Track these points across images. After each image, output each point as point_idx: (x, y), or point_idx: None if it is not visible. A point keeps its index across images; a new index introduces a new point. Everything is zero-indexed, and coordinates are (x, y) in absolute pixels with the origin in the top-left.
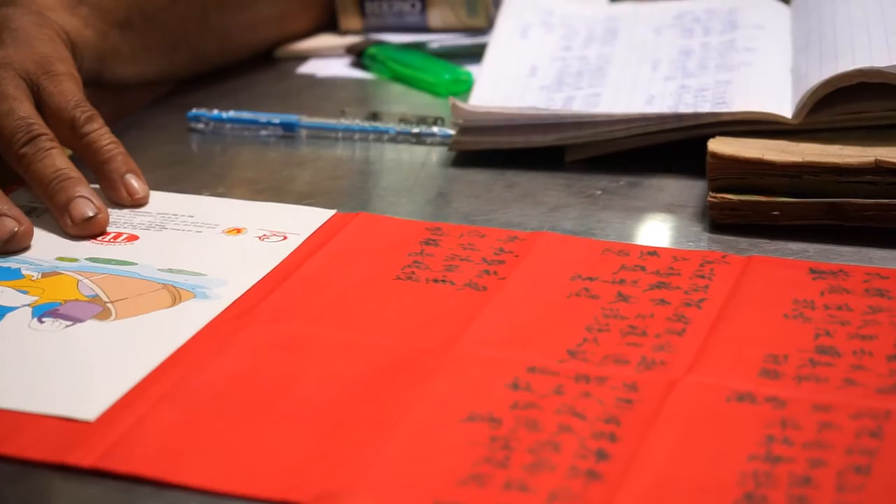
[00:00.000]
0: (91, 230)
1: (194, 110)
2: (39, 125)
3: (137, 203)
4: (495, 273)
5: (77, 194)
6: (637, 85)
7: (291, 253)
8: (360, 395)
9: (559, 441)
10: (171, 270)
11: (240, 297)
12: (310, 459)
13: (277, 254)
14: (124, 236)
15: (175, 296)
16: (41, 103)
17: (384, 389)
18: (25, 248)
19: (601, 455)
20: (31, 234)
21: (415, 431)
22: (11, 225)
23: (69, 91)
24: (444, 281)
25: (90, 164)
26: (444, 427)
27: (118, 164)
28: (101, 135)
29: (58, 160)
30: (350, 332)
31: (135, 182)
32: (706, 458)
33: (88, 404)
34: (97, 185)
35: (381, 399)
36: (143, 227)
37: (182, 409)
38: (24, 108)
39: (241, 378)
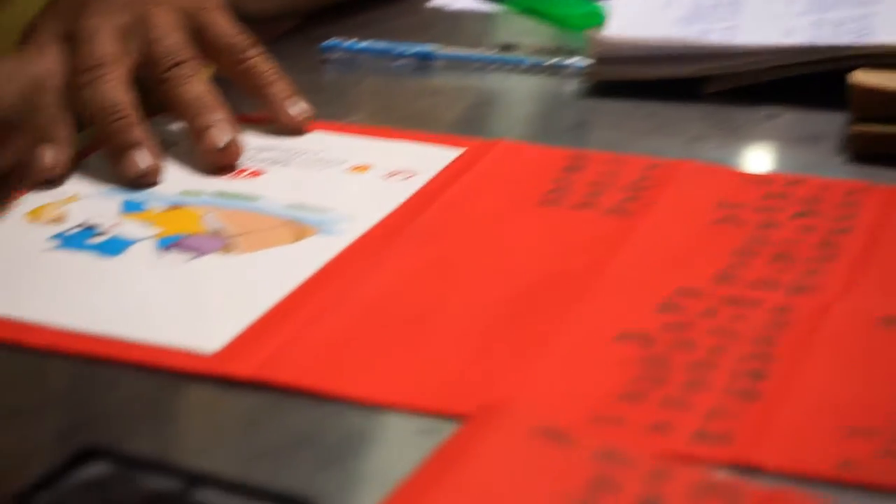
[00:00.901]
0: (223, 160)
1: (329, 40)
2: (186, 52)
3: (299, 127)
4: (639, 199)
5: (213, 121)
6: (773, 18)
7: (428, 183)
8: (511, 315)
9: (714, 361)
10: (295, 206)
11: (377, 227)
12: (467, 373)
13: (403, 192)
14: (249, 171)
15: (299, 231)
16: (200, 33)
17: (535, 309)
18: (153, 185)
19: (757, 375)
20: (159, 171)
21: (569, 349)
22: (144, 161)
23: (227, 21)
24: (588, 206)
25: (251, 89)
26: (597, 345)
27: (281, 87)
28: (263, 60)
29: (199, 86)
30: (497, 255)
31: (298, 105)
32: (861, 381)
33: (211, 336)
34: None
35: (533, 318)
36: (268, 162)
37: (337, 325)
38: (173, 37)
39: (393, 297)
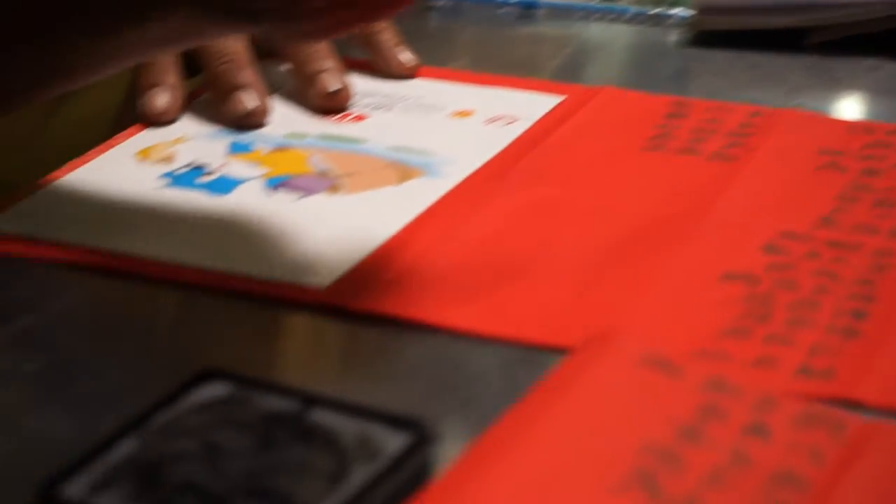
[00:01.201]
0: (334, 104)
1: None
2: None
3: (408, 73)
4: (742, 145)
5: (324, 67)
6: None
7: (530, 128)
8: (617, 253)
9: (816, 300)
10: (399, 149)
11: (482, 170)
12: (572, 307)
13: (506, 136)
14: (353, 115)
15: (404, 172)
16: None
17: (640, 249)
18: (261, 126)
19: (858, 314)
20: (267, 112)
21: (674, 286)
22: (251, 102)
23: None
24: (691, 152)
25: (359, 36)
26: (702, 284)
27: (389, 35)
28: None
29: None
30: (602, 197)
31: (406, 53)
32: None
33: (321, 272)
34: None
35: (638, 257)
36: (371, 107)
37: (445, 261)
38: None
39: (499, 234)
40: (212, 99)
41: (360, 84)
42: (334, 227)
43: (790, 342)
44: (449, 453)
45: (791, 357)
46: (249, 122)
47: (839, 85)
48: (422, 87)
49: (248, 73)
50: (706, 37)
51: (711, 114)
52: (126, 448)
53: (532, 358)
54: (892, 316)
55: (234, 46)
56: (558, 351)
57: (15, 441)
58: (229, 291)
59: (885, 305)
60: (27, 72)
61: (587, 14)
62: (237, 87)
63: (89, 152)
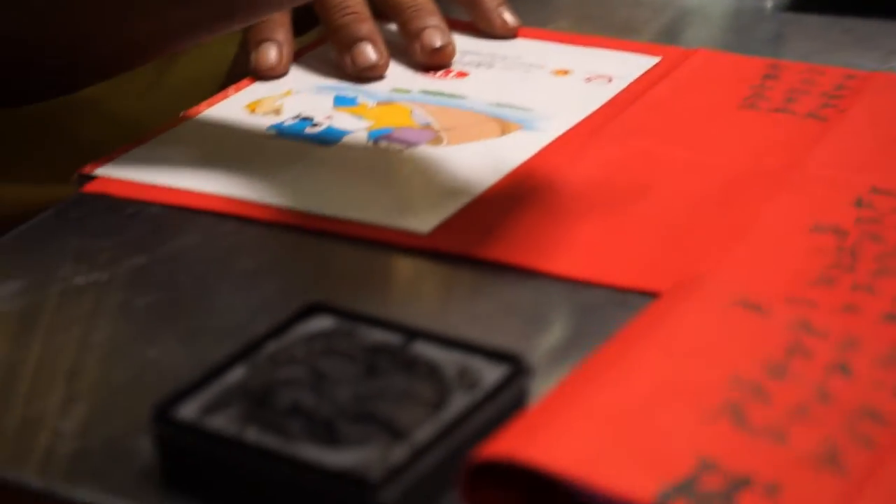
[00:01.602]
0: (439, 60)
1: None
2: None
3: (509, 33)
4: (835, 106)
5: (429, 24)
6: None
7: (628, 87)
8: (709, 204)
9: None
10: (499, 104)
11: (580, 125)
12: (664, 253)
13: (604, 94)
14: (455, 72)
15: (504, 127)
16: None
17: (733, 200)
18: (380, 78)
19: None
20: (387, 66)
21: (764, 236)
22: (374, 55)
23: None
24: (785, 111)
25: None
26: (792, 235)
27: None
28: None
29: None
30: (696, 152)
31: (508, 13)
32: None
33: (425, 218)
34: None
35: (730, 208)
36: (472, 65)
37: (543, 208)
38: None
39: (595, 184)
40: (333, 51)
41: (462, 43)
42: (436, 176)
43: (875, 291)
44: (544, 387)
45: (876, 305)
46: (371, 74)
47: None
48: (522, 47)
49: (369, 26)
50: (802, 2)
51: (806, 75)
52: (236, 375)
53: (625, 300)
54: None
55: (353, 0)
56: (650, 294)
57: (133, 369)
58: (336, 235)
59: None
60: (160, 24)
61: None
62: (359, 40)
63: (201, 104)
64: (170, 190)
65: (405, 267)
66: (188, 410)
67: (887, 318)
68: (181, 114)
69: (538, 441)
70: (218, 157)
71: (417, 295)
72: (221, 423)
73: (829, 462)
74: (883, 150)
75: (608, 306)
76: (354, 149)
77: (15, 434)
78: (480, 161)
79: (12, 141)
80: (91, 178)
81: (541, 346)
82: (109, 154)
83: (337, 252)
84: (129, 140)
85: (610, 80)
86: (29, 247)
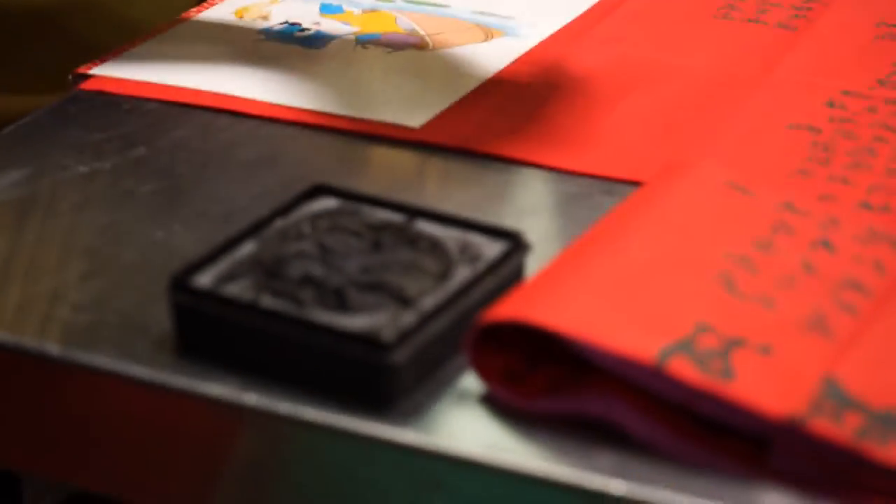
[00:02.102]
0: None
1: None
2: None
3: None
4: (804, 17)
5: None
6: None
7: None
8: (688, 104)
9: (874, 147)
10: (482, 12)
11: (561, 31)
12: (649, 147)
13: (584, 2)
14: None
15: (487, 33)
16: None
17: (710, 101)
18: None
19: None
20: None
21: (743, 132)
22: None
23: None
24: (757, 21)
25: None
26: (768, 131)
27: None
28: None
29: None
30: (675, 56)
31: None
32: None
33: (416, 114)
34: None
35: (708, 108)
36: None
37: (528, 104)
38: None
39: (580, 85)
40: None
41: None
42: (424, 76)
43: (850, 182)
44: (537, 267)
45: (851, 194)
46: None
47: None
48: None
49: None
50: None
51: None
52: (247, 249)
53: (611, 189)
54: None
55: None
56: (635, 184)
57: (141, 249)
58: (330, 129)
59: None
60: None
61: None
62: None
63: (190, 10)
64: (165, 87)
65: (397, 159)
66: (203, 280)
67: (862, 206)
68: (173, 18)
69: (541, 305)
70: (210, 58)
71: (410, 185)
72: (236, 291)
73: (816, 326)
74: (852, 56)
75: (595, 194)
76: (343, 51)
77: (34, 307)
78: (466, 64)
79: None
80: (86, 77)
81: (532, 230)
82: (103, 56)
83: (331, 145)
84: (123, 43)
85: None
86: (28, 140)
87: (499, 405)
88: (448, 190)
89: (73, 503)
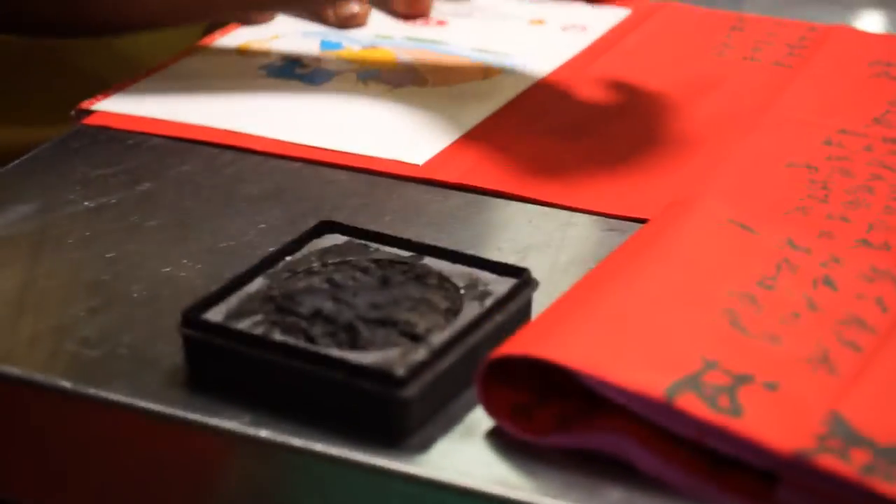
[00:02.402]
0: (418, 8)
1: None
2: None
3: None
4: (799, 56)
5: None
6: None
7: (602, 36)
8: (688, 142)
9: (872, 185)
10: (480, 49)
11: (559, 70)
12: (651, 184)
13: (579, 42)
14: (434, 21)
15: (486, 71)
16: None
17: (709, 139)
18: (362, 26)
19: None
20: (368, 16)
21: (742, 171)
22: (356, 6)
23: None
24: (753, 59)
25: None
26: (767, 170)
27: None
28: None
29: None
30: (672, 95)
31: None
32: None
33: (417, 150)
34: None
35: (708, 146)
36: (450, 15)
37: (530, 142)
38: None
39: (578, 125)
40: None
41: None
42: (426, 112)
43: (849, 220)
44: (544, 302)
45: (850, 232)
46: (353, 23)
47: (891, 5)
48: (498, 0)
49: None
50: None
51: (770, 28)
52: (257, 285)
53: (615, 226)
54: None
55: None
56: (639, 221)
57: (149, 284)
58: (333, 165)
59: None
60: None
61: None
62: None
63: (193, 45)
64: (168, 123)
65: (402, 195)
66: (214, 316)
67: (861, 243)
68: (175, 53)
69: (551, 341)
70: (213, 94)
71: (414, 221)
72: (247, 326)
73: (822, 363)
74: (847, 95)
75: (598, 231)
76: (344, 88)
77: (43, 342)
78: (466, 101)
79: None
80: (89, 113)
81: (536, 266)
82: (106, 91)
83: (335, 181)
84: (125, 78)
85: (584, 30)
86: (34, 174)
87: (507, 440)
88: (451, 226)
89: None
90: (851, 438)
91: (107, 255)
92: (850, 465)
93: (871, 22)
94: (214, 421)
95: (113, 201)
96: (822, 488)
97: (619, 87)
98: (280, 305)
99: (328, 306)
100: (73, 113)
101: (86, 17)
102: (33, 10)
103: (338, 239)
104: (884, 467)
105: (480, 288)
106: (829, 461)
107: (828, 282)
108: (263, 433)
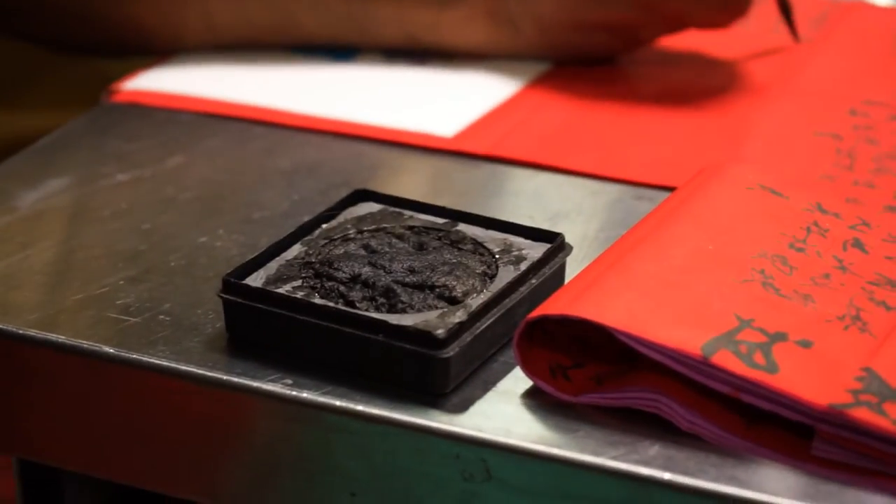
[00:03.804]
0: None
1: None
2: None
3: None
4: (823, 30)
5: None
6: None
7: None
8: (713, 113)
9: None
10: None
11: None
12: (678, 154)
13: None
14: None
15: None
16: None
17: (737, 108)
18: None
19: None
20: None
21: (768, 140)
22: None
23: None
24: (776, 31)
25: None
26: (794, 139)
27: None
28: None
29: None
30: (701, 62)
31: None
32: None
33: (448, 123)
34: None
35: (732, 117)
36: None
37: (554, 114)
38: None
39: (604, 94)
40: None
41: None
42: (454, 87)
43: (875, 186)
44: (577, 269)
45: (877, 197)
46: None
47: None
48: None
49: None
50: None
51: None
52: (294, 252)
53: (643, 194)
54: None
55: None
56: (668, 189)
57: (186, 254)
58: (364, 138)
59: None
60: None
61: None
62: None
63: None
64: (198, 99)
65: (431, 167)
66: (254, 282)
67: (888, 209)
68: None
69: (588, 301)
70: (240, 70)
71: (446, 191)
72: (287, 292)
73: (854, 321)
74: (871, 67)
75: (627, 199)
76: (373, 63)
77: (85, 310)
78: (496, 75)
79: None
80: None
81: (567, 234)
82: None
83: (366, 154)
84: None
85: None
86: (65, 150)
87: (545, 400)
88: (482, 196)
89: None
90: (886, 393)
91: (143, 227)
92: (885, 418)
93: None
94: (256, 383)
95: (147, 174)
96: (858, 441)
97: (644, 59)
98: (318, 271)
99: (366, 271)
100: (104, 93)
101: (121, 42)
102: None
103: (372, 207)
104: None
105: (515, 252)
106: (864, 414)
107: (857, 244)
108: (305, 395)
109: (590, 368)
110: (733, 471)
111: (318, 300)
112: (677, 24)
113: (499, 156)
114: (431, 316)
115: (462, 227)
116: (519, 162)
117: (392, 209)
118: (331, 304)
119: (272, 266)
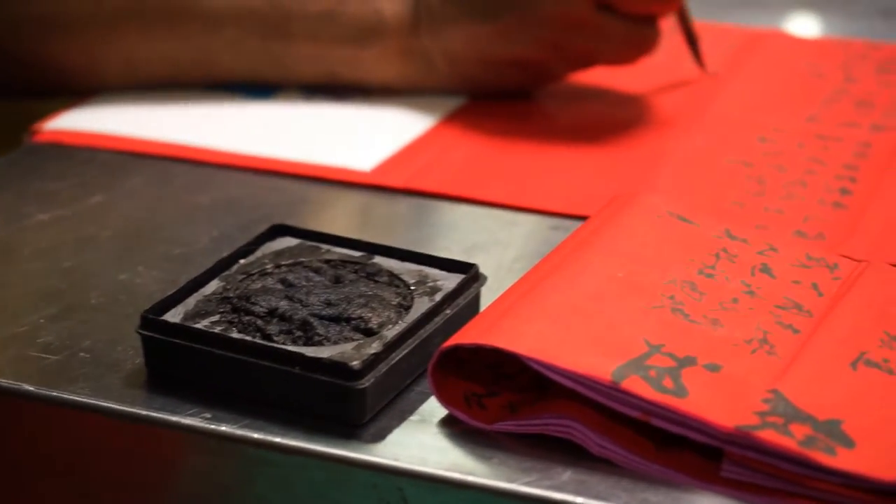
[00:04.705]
0: None
1: None
2: None
3: None
4: (734, 59)
5: None
6: None
7: None
8: (625, 144)
9: (806, 180)
10: None
11: None
12: (591, 184)
13: None
14: None
15: None
16: None
17: (649, 138)
18: None
19: (844, 191)
20: None
21: (680, 168)
22: None
23: None
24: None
25: None
26: (705, 167)
27: None
28: None
29: None
30: (613, 94)
31: None
32: None
33: (364, 158)
34: None
35: (648, 145)
36: None
37: (469, 148)
38: None
39: (513, 124)
40: None
41: None
42: (371, 122)
43: (784, 212)
44: (492, 297)
45: (786, 223)
46: None
47: (823, 7)
48: None
49: None
50: None
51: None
52: (212, 287)
53: (557, 224)
54: (873, 193)
55: None
56: (580, 218)
57: (106, 291)
58: (283, 174)
59: (867, 184)
60: None
61: None
62: None
63: None
64: (119, 137)
65: (352, 201)
66: (172, 318)
67: (797, 234)
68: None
69: (501, 330)
70: (161, 109)
71: (366, 225)
72: (205, 327)
73: (762, 344)
74: (780, 96)
75: (543, 229)
76: (291, 100)
77: (5, 349)
78: (412, 110)
79: None
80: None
81: (483, 264)
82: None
83: (287, 189)
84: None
85: None
86: None
87: (460, 428)
88: (400, 229)
89: None
90: (792, 414)
91: (64, 265)
92: (790, 438)
93: (803, 26)
94: (175, 418)
95: (68, 214)
96: (765, 462)
97: (558, 93)
98: (236, 306)
99: (283, 305)
100: (26, 135)
101: (43, 82)
102: None
103: (290, 242)
104: (823, 440)
105: (430, 284)
106: (770, 435)
107: (765, 269)
108: (224, 428)
109: (504, 396)
110: (644, 494)
111: (235, 334)
112: (586, 62)
113: (417, 189)
114: (347, 348)
115: (378, 259)
116: (436, 195)
117: (309, 243)
118: (248, 337)
119: (190, 302)
